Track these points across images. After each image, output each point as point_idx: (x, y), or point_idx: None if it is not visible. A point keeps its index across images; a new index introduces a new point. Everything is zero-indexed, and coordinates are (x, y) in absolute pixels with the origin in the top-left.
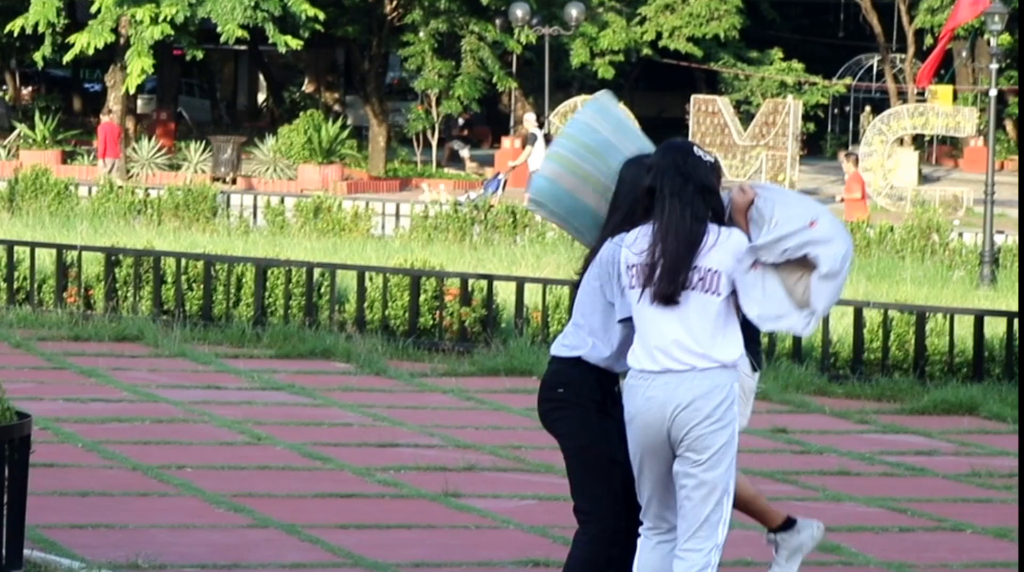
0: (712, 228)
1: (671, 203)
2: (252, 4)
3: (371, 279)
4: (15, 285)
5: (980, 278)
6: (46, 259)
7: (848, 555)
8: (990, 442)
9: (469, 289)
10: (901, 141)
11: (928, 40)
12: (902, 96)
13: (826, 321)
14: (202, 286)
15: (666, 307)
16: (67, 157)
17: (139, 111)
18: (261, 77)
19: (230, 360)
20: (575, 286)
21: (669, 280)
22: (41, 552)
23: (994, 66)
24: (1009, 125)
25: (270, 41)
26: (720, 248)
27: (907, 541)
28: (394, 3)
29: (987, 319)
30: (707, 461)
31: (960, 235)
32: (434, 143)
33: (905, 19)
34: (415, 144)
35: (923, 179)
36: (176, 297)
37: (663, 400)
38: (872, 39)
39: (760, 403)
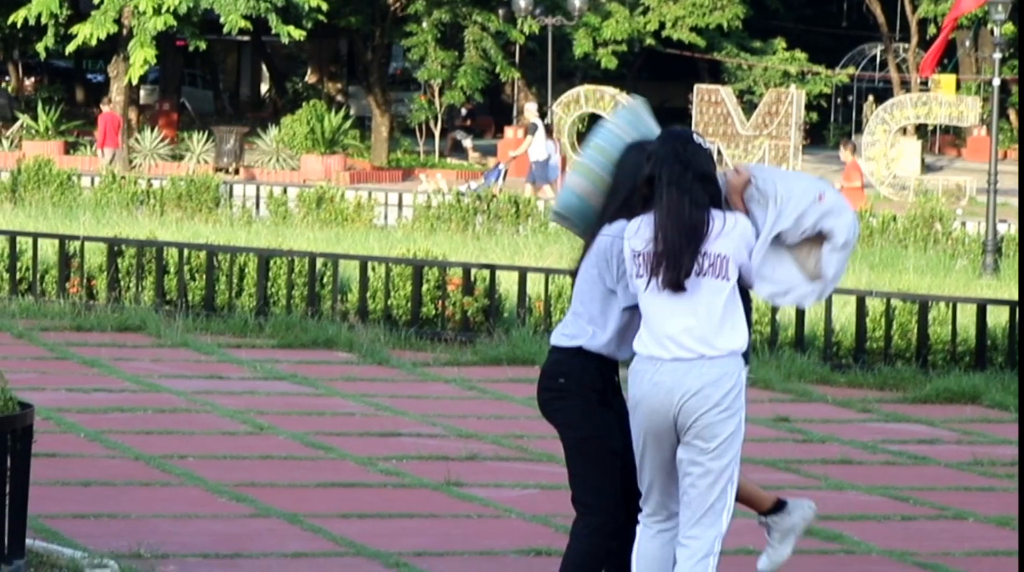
0: (717, 214)
1: (670, 191)
2: None
3: (373, 269)
4: (18, 275)
5: (983, 267)
6: (49, 250)
7: (850, 543)
8: (992, 431)
9: (472, 279)
10: (904, 130)
11: (931, 29)
12: (905, 86)
13: (829, 310)
14: (204, 276)
15: (675, 294)
16: (70, 148)
17: (142, 102)
18: (264, 68)
19: (232, 350)
20: (575, 275)
21: (673, 267)
22: (43, 542)
23: (997, 55)
24: (1013, 114)
25: (273, 32)
26: (728, 235)
27: (909, 529)
28: None
29: (989, 308)
30: (715, 450)
31: (963, 224)
32: (437, 133)
33: (908, 8)
34: (418, 134)
35: (926, 168)
36: (178, 287)
37: (671, 385)
38: (875, 28)
39: (762, 392)
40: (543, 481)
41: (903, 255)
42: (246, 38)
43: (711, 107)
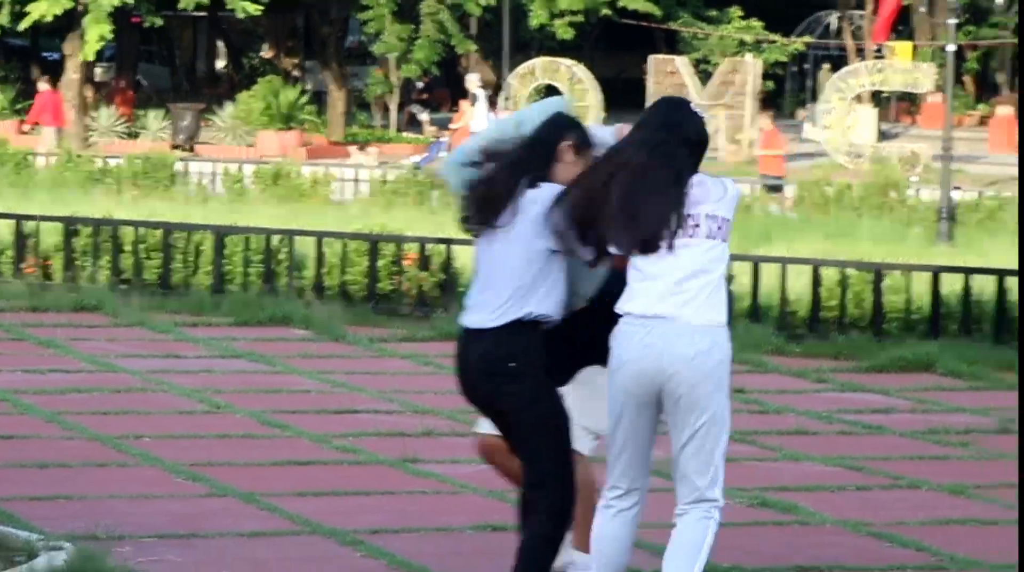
0: (704, 179)
1: (651, 155)
2: None
3: (329, 245)
4: None
5: (937, 235)
6: (4, 230)
7: (805, 514)
8: (946, 399)
9: (427, 254)
10: (859, 98)
11: None
12: (861, 53)
13: (784, 280)
14: (161, 255)
15: (660, 257)
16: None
17: (98, 79)
18: (220, 43)
19: (189, 328)
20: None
21: (651, 230)
22: None
23: (952, 21)
24: (968, 80)
25: (229, 7)
26: (723, 200)
27: (864, 499)
28: None
29: (944, 276)
30: (706, 424)
31: (917, 192)
32: (393, 107)
33: None
34: (374, 109)
35: (882, 136)
36: (134, 266)
37: (661, 349)
38: None
39: None
40: None
41: (858, 224)
42: (202, 14)
43: (666, 77)
